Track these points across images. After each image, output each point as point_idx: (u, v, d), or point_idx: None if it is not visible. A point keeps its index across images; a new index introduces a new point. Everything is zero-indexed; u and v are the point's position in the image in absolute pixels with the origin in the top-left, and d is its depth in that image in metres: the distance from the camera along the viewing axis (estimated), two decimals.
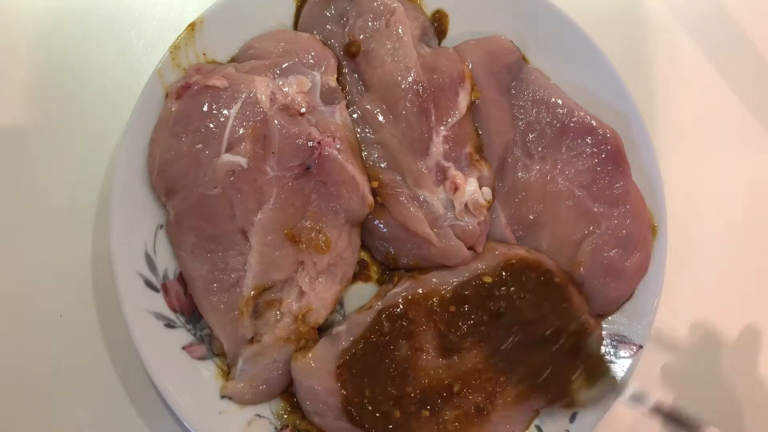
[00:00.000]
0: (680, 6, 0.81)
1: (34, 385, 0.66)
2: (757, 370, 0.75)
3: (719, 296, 0.76)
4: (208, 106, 0.62)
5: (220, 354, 0.65)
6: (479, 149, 0.68)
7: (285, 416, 0.65)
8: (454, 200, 0.66)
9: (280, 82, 0.64)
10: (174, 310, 0.64)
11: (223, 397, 0.64)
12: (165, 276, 0.64)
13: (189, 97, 0.62)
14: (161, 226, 0.64)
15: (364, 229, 0.67)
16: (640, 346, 0.68)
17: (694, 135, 0.79)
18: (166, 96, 0.64)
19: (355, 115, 0.67)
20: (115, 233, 0.62)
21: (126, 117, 0.63)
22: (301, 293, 0.64)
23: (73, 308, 0.67)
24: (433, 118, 0.66)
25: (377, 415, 0.63)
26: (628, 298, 0.69)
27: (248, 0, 0.66)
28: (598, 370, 0.67)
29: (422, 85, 0.66)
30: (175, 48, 0.64)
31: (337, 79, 0.67)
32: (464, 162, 0.67)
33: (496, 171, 0.69)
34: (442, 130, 0.67)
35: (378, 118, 0.66)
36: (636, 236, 0.68)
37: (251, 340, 0.64)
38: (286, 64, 0.65)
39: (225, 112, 0.62)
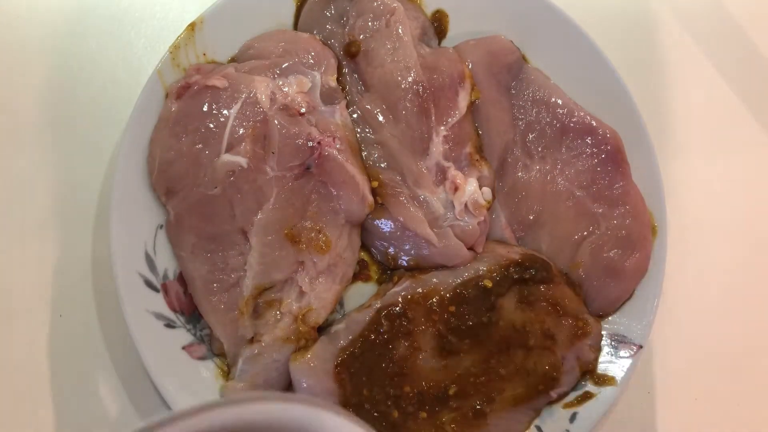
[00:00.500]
0: (681, 6, 0.81)
1: (33, 385, 0.66)
2: (757, 370, 0.75)
3: (719, 296, 0.76)
4: (208, 106, 0.62)
5: (220, 354, 0.65)
6: (479, 149, 0.68)
7: None
8: (454, 200, 0.66)
9: (280, 82, 0.64)
10: (174, 310, 0.64)
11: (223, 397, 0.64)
12: (165, 276, 0.64)
13: (189, 97, 0.63)
14: (161, 226, 0.64)
15: (364, 229, 0.67)
16: (640, 346, 0.68)
17: (694, 135, 0.79)
18: (166, 96, 0.64)
19: (355, 115, 0.67)
20: (115, 233, 0.62)
21: (126, 117, 0.63)
22: (301, 293, 0.64)
23: (73, 308, 0.67)
24: (433, 118, 0.66)
25: (375, 414, 0.63)
26: (628, 298, 0.69)
27: (248, 0, 0.66)
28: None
29: (422, 85, 0.66)
30: (175, 48, 0.64)
31: (337, 79, 0.67)
32: (464, 162, 0.67)
33: (496, 171, 0.69)
34: (442, 130, 0.67)
35: (378, 118, 0.66)
36: (636, 236, 0.68)
37: (251, 340, 0.64)
38: (286, 64, 0.65)
39: (225, 112, 0.62)
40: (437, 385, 0.64)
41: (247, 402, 0.35)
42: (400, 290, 0.65)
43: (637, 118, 0.69)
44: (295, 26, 0.69)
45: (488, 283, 0.65)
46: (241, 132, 0.62)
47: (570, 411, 0.67)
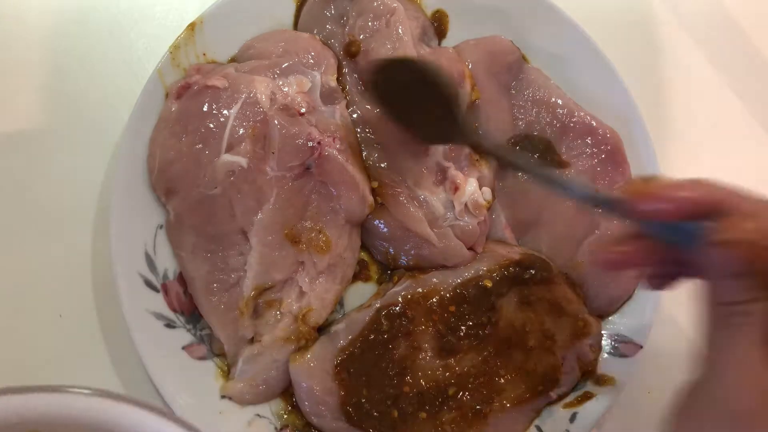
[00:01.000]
0: (681, 6, 0.81)
1: (33, 385, 0.66)
2: None
3: None
4: (208, 106, 0.62)
5: (220, 354, 0.65)
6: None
7: (285, 416, 0.65)
8: (454, 200, 0.66)
9: (280, 82, 0.64)
10: (174, 310, 0.64)
11: (223, 397, 0.64)
12: (165, 276, 0.64)
13: (189, 97, 0.63)
14: (161, 226, 0.64)
15: (364, 229, 0.67)
16: (640, 346, 0.68)
17: (694, 135, 0.79)
18: (166, 96, 0.64)
19: (355, 115, 0.67)
20: (115, 233, 0.62)
21: (126, 117, 0.63)
22: (302, 293, 0.64)
23: (73, 308, 0.67)
24: None
25: (375, 414, 0.63)
26: (628, 298, 0.69)
27: (248, 0, 0.66)
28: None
29: None
30: (175, 48, 0.64)
31: (337, 79, 0.67)
32: (464, 162, 0.67)
33: (496, 171, 0.69)
34: None
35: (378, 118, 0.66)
36: None
37: (251, 340, 0.64)
38: (286, 64, 0.65)
39: (225, 112, 0.62)
40: (437, 385, 0.64)
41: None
42: (400, 290, 0.65)
43: (637, 118, 0.69)
44: (295, 26, 0.69)
45: (488, 283, 0.65)
46: (241, 132, 0.62)
47: (570, 411, 0.67)
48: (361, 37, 0.67)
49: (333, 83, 0.66)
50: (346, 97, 0.67)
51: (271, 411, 0.65)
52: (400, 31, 0.66)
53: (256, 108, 0.63)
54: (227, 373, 0.65)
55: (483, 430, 0.64)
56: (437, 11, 0.71)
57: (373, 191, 0.65)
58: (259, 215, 0.63)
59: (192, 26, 0.65)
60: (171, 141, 0.62)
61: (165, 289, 0.64)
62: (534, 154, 0.68)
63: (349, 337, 0.63)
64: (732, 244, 0.41)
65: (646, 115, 0.70)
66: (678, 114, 0.79)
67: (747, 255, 0.41)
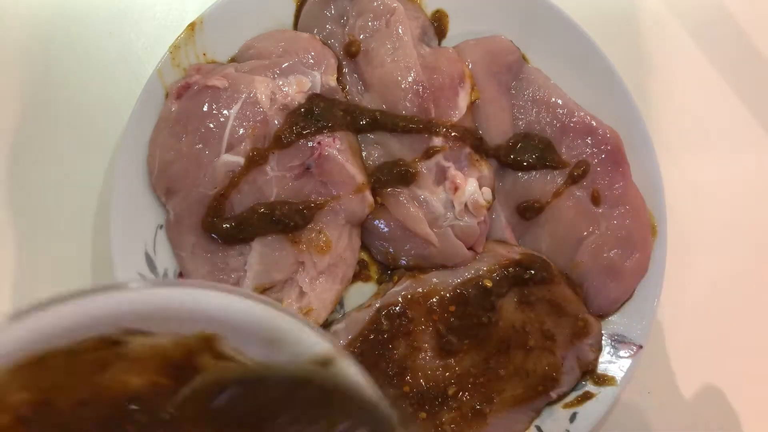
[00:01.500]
0: (681, 6, 0.81)
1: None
2: (757, 370, 0.75)
3: (719, 296, 0.76)
4: (208, 106, 0.62)
5: None
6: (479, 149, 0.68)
7: None
8: (454, 200, 0.66)
9: (280, 82, 0.64)
10: None
11: None
12: (165, 276, 0.64)
13: (189, 97, 0.62)
14: (161, 226, 0.64)
15: (364, 229, 0.67)
16: (640, 346, 0.68)
17: (694, 135, 0.79)
18: (166, 96, 0.64)
19: None
20: (115, 233, 0.62)
21: (126, 117, 0.63)
22: (302, 293, 0.64)
23: None
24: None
25: None
26: (628, 298, 0.69)
27: (248, 0, 0.66)
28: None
29: (422, 85, 0.65)
30: (175, 48, 0.64)
31: (337, 79, 0.67)
32: (464, 162, 0.67)
33: (496, 171, 0.69)
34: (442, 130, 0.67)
35: None
36: (636, 237, 0.68)
37: None
38: (286, 64, 0.65)
39: (225, 112, 0.62)
40: (437, 385, 0.64)
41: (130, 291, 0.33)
42: (400, 290, 0.65)
43: (637, 118, 0.69)
44: (295, 26, 0.69)
45: (488, 283, 0.65)
46: (241, 132, 0.62)
47: (570, 411, 0.67)
48: (361, 37, 0.67)
49: (333, 83, 0.66)
50: (346, 97, 0.67)
51: None
52: (400, 31, 0.66)
53: (256, 108, 0.63)
54: None
55: (483, 430, 0.64)
56: (437, 11, 0.71)
57: (373, 191, 0.65)
58: None
59: (192, 26, 0.65)
60: (171, 141, 0.62)
61: None
62: (534, 154, 0.68)
63: (349, 337, 0.63)
64: None
65: (646, 115, 0.70)
66: (678, 114, 0.79)
67: None
